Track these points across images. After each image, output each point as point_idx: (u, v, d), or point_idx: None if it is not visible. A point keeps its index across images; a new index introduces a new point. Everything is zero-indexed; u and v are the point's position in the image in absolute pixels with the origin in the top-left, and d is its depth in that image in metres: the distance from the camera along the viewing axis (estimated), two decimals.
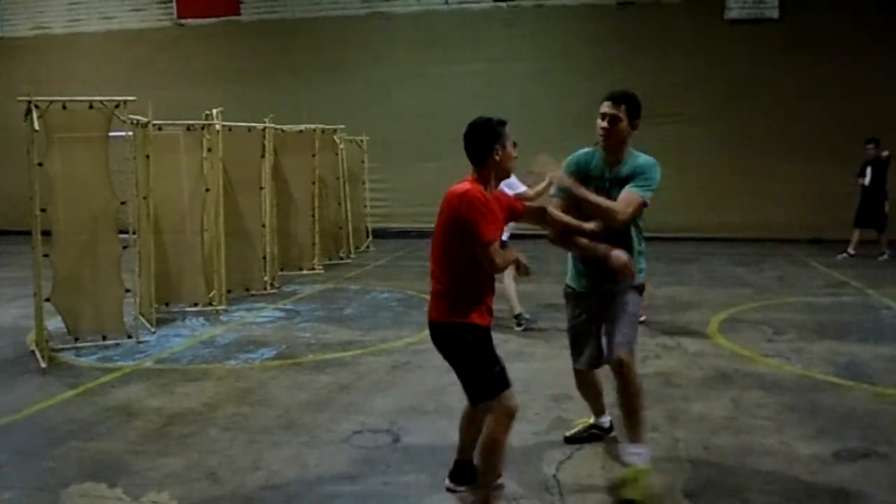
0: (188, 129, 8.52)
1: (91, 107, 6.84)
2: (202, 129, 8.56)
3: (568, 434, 4.50)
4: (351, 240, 13.39)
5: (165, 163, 8.12)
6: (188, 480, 4.03)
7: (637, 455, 3.83)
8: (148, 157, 7.62)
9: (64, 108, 6.74)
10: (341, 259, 12.78)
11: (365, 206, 14.52)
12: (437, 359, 6.41)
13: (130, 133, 7.49)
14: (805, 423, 4.80)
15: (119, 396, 5.50)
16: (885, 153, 12.24)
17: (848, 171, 12.66)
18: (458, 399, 5.33)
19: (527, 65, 16.08)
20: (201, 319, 8.16)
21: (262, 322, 8.12)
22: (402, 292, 9.77)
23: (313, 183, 11.46)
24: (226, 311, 8.53)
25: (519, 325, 7.52)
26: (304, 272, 11.32)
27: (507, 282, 7.46)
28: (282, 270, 10.68)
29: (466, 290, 3.52)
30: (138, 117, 7.62)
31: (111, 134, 6.95)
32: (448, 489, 3.87)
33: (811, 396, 5.36)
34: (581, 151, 4.04)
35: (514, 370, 5.99)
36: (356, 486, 3.98)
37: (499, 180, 3.62)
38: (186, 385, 5.78)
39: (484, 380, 3.52)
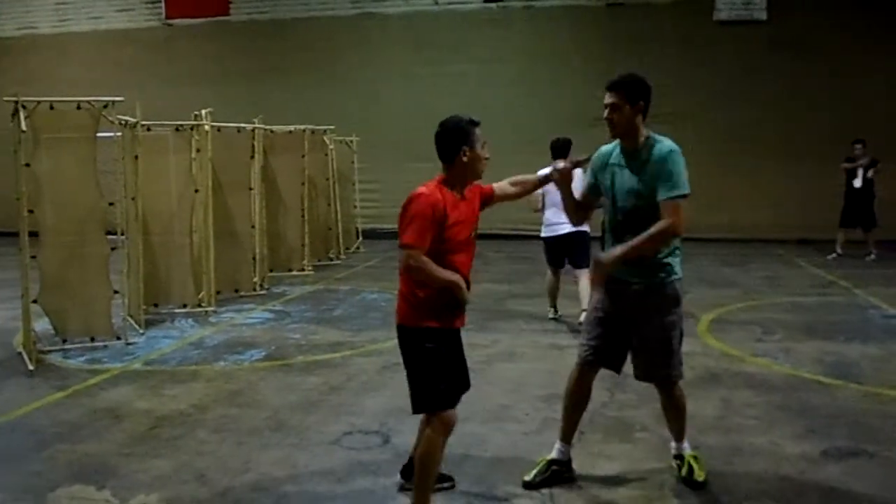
0: (177, 129, 8.49)
1: (79, 107, 6.80)
2: (191, 129, 8.53)
3: (527, 478, 3.94)
4: (341, 241, 13.36)
5: (154, 163, 8.08)
6: (177, 482, 4.01)
7: (687, 447, 4.03)
8: (136, 157, 7.58)
9: (51, 108, 6.70)
10: (331, 260, 12.75)
11: (355, 207, 14.50)
12: None
13: (119, 134, 7.45)
14: (794, 422, 4.82)
15: (107, 398, 5.47)
16: (865, 160, 12.32)
17: (836, 171, 12.71)
18: None
19: (516, 65, 16.10)
20: (190, 321, 8.13)
21: (251, 323, 8.09)
22: (392, 293, 9.68)
23: (303, 184, 11.43)
24: (215, 312, 8.50)
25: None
26: (294, 273, 11.29)
27: (583, 282, 7.34)
28: (271, 271, 10.65)
29: (425, 292, 3.42)
30: (126, 118, 7.59)
31: (99, 134, 6.92)
32: (400, 487, 3.87)
33: (800, 396, 5.39)
34: (605, 147, 3.96)
35: (502, 371, 6.06)
36: (346, 487, 3.97)
37: (467, 181, 3.54)
38: (175, 387, 5.75)
39: (429, 391, 3.47)
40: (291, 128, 11.54)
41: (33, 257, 6.56)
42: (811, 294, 9.45)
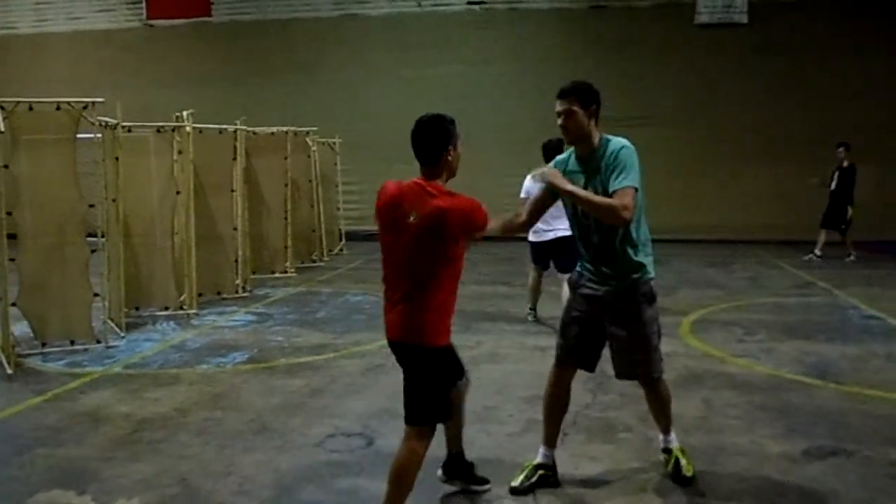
0: (158, 131, 8.42)
1: (59, 108, 6.74)
2: (172, 131, 8.47)
3: (514, 484, 3.90)
4: (324, 242, 13.32)
5: (135, 165, 8.02)
6: (159, 487, 3.97)
7: (674, 440, 4.11)
8: (117, 159, 7.52)
9: (31, 109, 6.63)
10: (314, 262, 12.71)
11: (338, 209, 14.47)
12: None
13: (99, 135, 7.38)
14: (775, 422, 4.86)
15: (87, 402, 5.42)
16: (846, 163, 12.44)
17: (816, 173, 12.83)
18: None
19: (500, 67, 16.14)
20: (172, 323, 8.07)
21: (233, 326, 8.05)
22: (376, 295, 9.74)
23: (286, 185, 11.39)
24: (197, 314, 8.44)
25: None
26: (277, 275, 11.24)
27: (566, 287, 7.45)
28: (254, 274, 10.60)
29: (450, 307, 3.41)
30: (107, 119, 7.52)
31: (79, 136, 6.86)
32: (442, 480, 3.88)
33: (781, 396, 5.44)
34: (560, 156, 3.98)
35: (486, 372, 6.07)
36: (329, 489, 3.95)
37: (445, 182, 3.45)
38: (157, 390, 5.71)
39: (441, 405, 3.43)
40: (274, 129, 11.50)
41: (12, 260, 6.49)
42: (792, 295, 9.54)
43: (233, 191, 9.65)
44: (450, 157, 3.41)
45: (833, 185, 12.52)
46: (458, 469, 3.87)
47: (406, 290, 3.33)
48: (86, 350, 6.85)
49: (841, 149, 12.45)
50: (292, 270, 11.47)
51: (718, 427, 4.81)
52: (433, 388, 3.39)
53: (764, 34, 14.99)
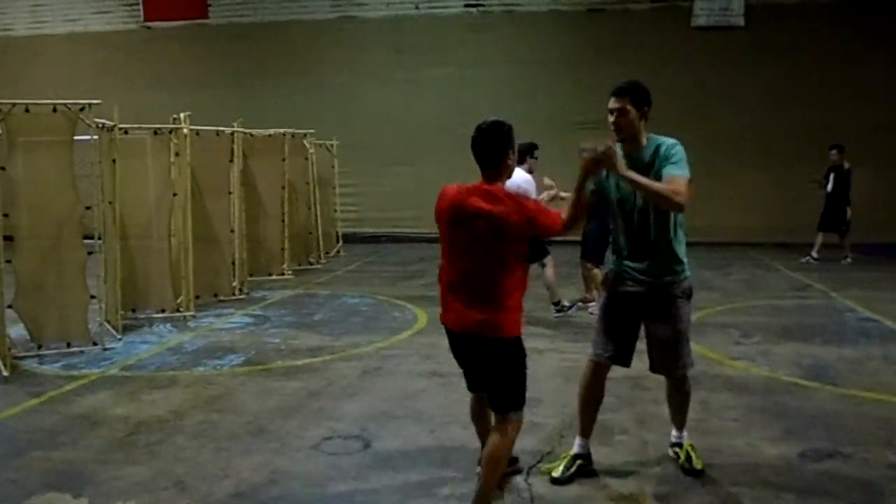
0: (155, 133, 8.41)
1: (55, 110, 6.72)
2: (170, 133, 8.46)
3: (555, 475, 4.04)
4: (321, 245, 13.30)
5: (132, 167, 8.01)
6: (155, 489, 3.97)
7: (685, 436, 4.26)
8: (114, 161, 7.51)
9: (27, 111, 6.62)
10: (311, 264, 12.70)
11: (335, 211, 14.46)
12: (408, 364, 6.45)
13: (96, 137, 7.38)
14: (771, 424, 4.86)
15: (84, 405, 5.41)
16: (846, 165, 12.47)
17: (810, 175, 12.85)
18: (428, 404, 5.34)
19: (497, 70, 16.15)
20: (169, 326, 8.05)
21: (230, 328, 8.04)
22: (373, 297, 9.74)
23: (283, 187, 11.38)
24: (194, 317, 8.42)
25: (559, 311, 8.14)
26: (274, 277, 11.24)
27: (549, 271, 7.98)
28: (251, 276, 10.58)
29: (520, 299, 3.55)
30: (104, 121, 7.51)
31: (76, 138, 6.85)
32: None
33: (777, 398, 5.44)
34: None
35: None
36: (326, 492, 3.95)
37: (502, 184, 3.59)
38: (153, 392, 5.70)
39: (522, 391, 3.62)
40: (271, 131, 11.49)
41: (8, 261, 6.48)
42: (789, 297, 9.55)
43: (230, 193, 9.64)
44: (509, 161, 3.54)
45: (830, 188, 12.55)
46: None
47: (478, 287, 3.47)
48: (82, 352, 6.83)
49: (834, 151, 12.48)
50: (289, 273, 11.46)
51: (715, 429, 4.81)
52: (514, 377, 3.57)
53: (761, 37, 15.03)
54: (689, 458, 4.16)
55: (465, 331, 3.54)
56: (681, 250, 3.92)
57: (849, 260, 12.41)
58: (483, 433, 3.82)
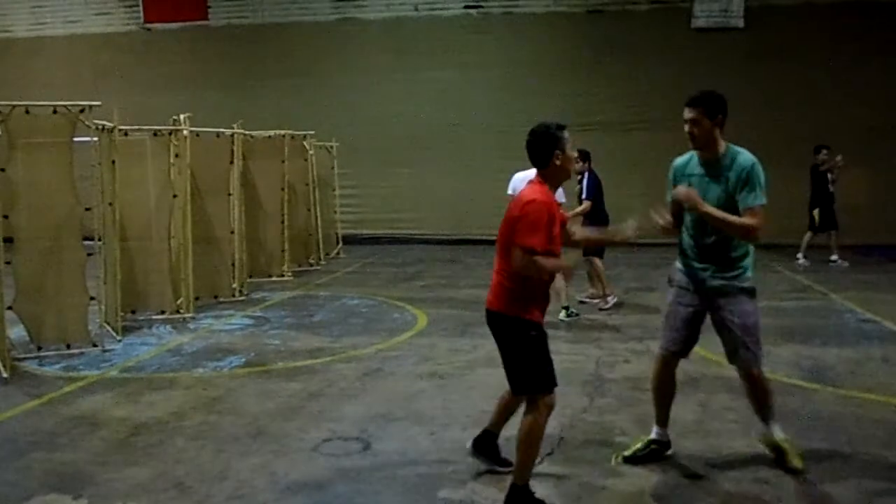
0: (155, 134, 8.42)
1: (55, 111, 6.73)
2: (169, 134, 8.47)
3: (626, 454, 4.29)
4: (321, 246, 13.31)
5: (132, 169, 8.02)
6: (155, 491, 3.97)
7: (779, 431, 4.27)
8: (114, 162, 7.51)
9: (27, 112, 6.64)
10: (311, 265, 12.70)
11: (335, 213, 14.47)
12: (408, 365, 6.45)
13: (96, 138, 7.38)
14: None
15: (83, 406, 5.41)
16: (825, 166, 12.48)
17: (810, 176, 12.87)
18: (428, 406, 5.34)
19: (496, 71, 16.16)
20: (168, 327, 8.05)
21: (230, 329, 8.04)
22: (373, 299, 9.74)
23: (282, 189, 11.39)
24: (193, 318, 8.43)
25: (569, 315, 8.01)
26: (274, 279, 11.24)
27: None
28: (250, 277, 10.59)
29: (529, 288, 3.70)
30: (104, 122, 7.52)
31: (76, 139, 6.86)
32: (471, 454, 4.16)
33: (777, 399, 5.41)
34: (679, 159, 4.32)
35: (483, 376, 6.07)
36: (326, 494, 3.95)
37: (560, 182, 3.86)
38: (153, 394, 5.70)
39: (536, 376, 3.72)
40: (271, 133, 11.50)
41: (8, 263, 6.48)
42: (788, 298, 9.54)
43: (230, 194, 9.65)
44: (557, 161, 3.74)
45: (832, 187, 12.54)
46: (488, 448, 4.15)
47: (501, 271, 3.77)
48: (82, 354, 6.83)
49: (825, 151, 12.46)
50: (289, 274, 11.46)
51: (715, 431, 4.81)
52: (529, 359, 3.74)
53: (760, 39, 15.03)
54: (784, 455, 4.20)
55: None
56: (744, 254, 4.10)
57: (838, 261, 12.38)
58: (495, 418, 4.10)
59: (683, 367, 6.17)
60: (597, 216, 8.53)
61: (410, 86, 16.23)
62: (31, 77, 16.81)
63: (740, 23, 15.40)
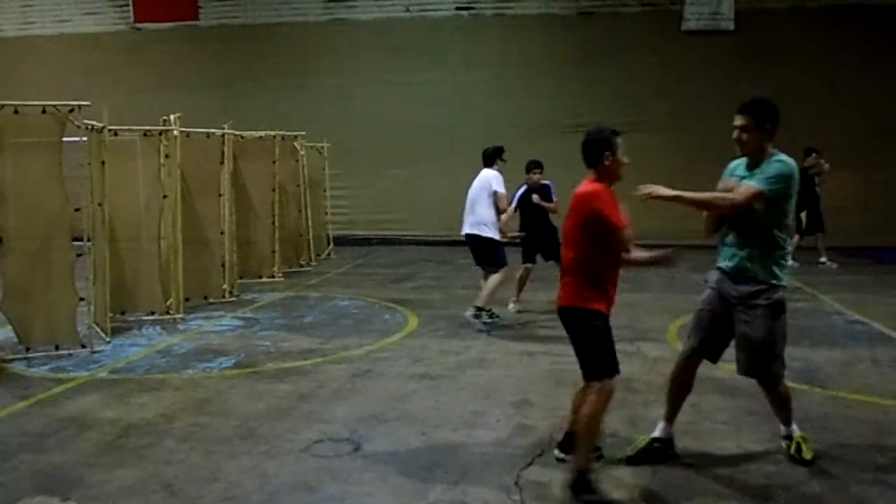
0: (145, 134, 8.39)
1: (44, 111, 6.70)
2: (160, 134, 8.44)
3: (630, 454, 4.32)
4: (312, 247, 13.28)
5: (122, 169, 7.97)
6: (144, 493, 3.95)
7: (795, 430, 4.37)
8: (103, 163, 7.47)
9: (16, 112, 6.60)
10: (302, 267, 12.67)
11: (326, 214, 14.43)
12: (399, 367, 6.44)
13: (85, 138, 7.34)
14: (762, 426, 4.87)
15: (72, 408, 5.38)
16: (813, 170, 12.55)
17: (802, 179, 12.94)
18: (418, 407, 5.34)
19: (488, 72, 16.16)
20: (158, 328, 8.02)
21: (220, 331, 8.01)
22: (364, 300, 9.72)
23: (273, 190, 11.36)
24: (183, 319, 8.40)
25: (476, 317, 7.80)
26: (264, 280, 11.21)
27: (495, 277, 7.90)
28: (241, 278, 10.55)
29: (598, 280, 3.93)
30: (93, 122, 7.48)
31: (66, 139, 6.82)
32: (558, 458, 4.27)
33: (767, 400, 5.45)
34: (735, 160, 4.39)
35: (474, 377, 6.07)
36: (317, 495, 3.94)
37: (611, 181, 3.99)
38: (142, 395, 5.67)
39: (602, 362, 3.94)
40: (262, 133, 11.47)
41: None
42: None
43: (220, 195, 9.62)
44: (607, 163, 3.94)
45: (820, 189, 12.63)
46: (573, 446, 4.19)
47: (568, 268, 4.02)
48: (70, 355, 6.79)
49: (815, 154, 12.54)
50: (280, 275, 11.43)
51: (706, 432, 4.83)
52: (596, 346, 3.97)
53: (750, 41, 15.09)
54: (798, 448, 4.29)
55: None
56: (776, 260, 4.11)
57: (826, 262, 12.45)
58: (574, 417, 4.22)
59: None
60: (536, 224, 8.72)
61: (401, 87, 16.21)
62: (20, 77, 16.69)
63: (730, 25, 15.46)
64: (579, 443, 3.94)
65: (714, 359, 4.41)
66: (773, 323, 4.11)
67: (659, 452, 4.31)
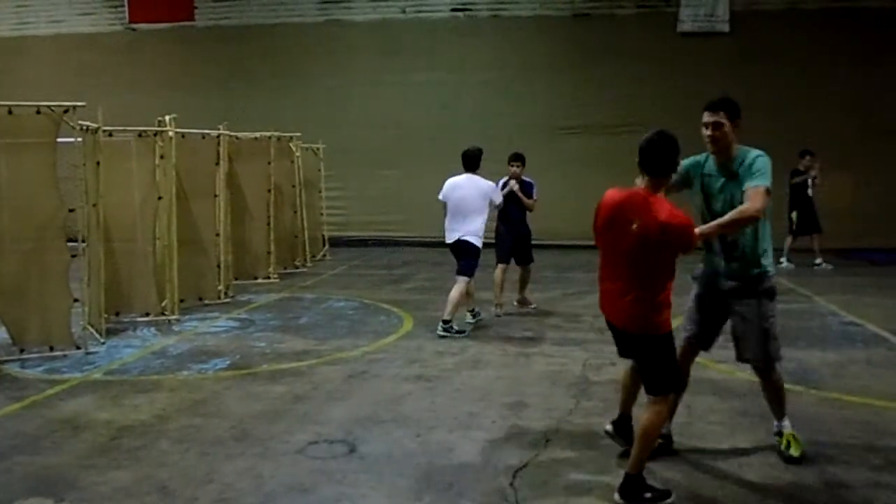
0: (140, 135, 8.37)
1: (39, 112, 6.67)
2: (154, 135, 8.42)
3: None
4: (307, 248, 13.27)
5: (116, 170, 7.96)
6: (138, 494, 3.94)
7: (787, 426, 4.42)
8: (98, 163, 7.45)
9: (10, 112, 6.57)
10: (297, 268, 12.66)
11: (321, 215, 14.42)
12: (394, 368, 6.44)
13: (80, 139, 7.32)
14: (756, 427, 4.88)
15: (66, 409, 5.36)
16: (811, 171, 12.59)
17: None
18: (414, 408, 5.33)
19: (483, 74, 16.16)
20: (153, 329, 8.00)
21: (215, 332, 8.00)
22: (359, 301, 9.72)
23: (269, 191, 11.35)
24: (178, 320, 8.38)
25: (447, 331, 7.63)
26: (259, 281, 11.19)
27: (460, 287, 7.80)
28: (236, 279, 10.53)
29: (661, 296, 3.79)
30: (88, 123, 7.45)
31: (60, 140, 6.80)
32: (606, 432, 4.40)
33: (762, 402, 5.40)
34: (692, 157, 4.40)
35: (469, 378, 6.07)
36: (312, 497, 3.93)
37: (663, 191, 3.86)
38: (137, 397, 5.66)
39: (668, 379, 3.95)
40: (257, 134, 11.46)
41: None
42: None
43: (215, 196, 9.61)
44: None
45: (812, 192, 12.67)
46: (627, 430, 4.33)
47: (629, 287, 3.78)
48: (65, 356, 6.77)
49: (808, 156, 12.57)
50: (275, 276, 11.41)
51: (700, 433, 4.83)
52: (663, 367, 3.90)
53: (745, 43, 15.13)
54: (788, 445, 4.34)
55: (618, 326, 4.01)
56: (763, 252, 4.22)
57: (820, 263, 12.48)
58: (625, 399, 4.35)
59: None
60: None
61: (397, 88, 16.20)
62: (14, 77, 16.63)
63: (726, 27, 15.50)
64: (638, 448, 3.84)
65: (707, 346, 4.51)
66: (768, 305, 4.24)
67: (659, 448, 4.29)
